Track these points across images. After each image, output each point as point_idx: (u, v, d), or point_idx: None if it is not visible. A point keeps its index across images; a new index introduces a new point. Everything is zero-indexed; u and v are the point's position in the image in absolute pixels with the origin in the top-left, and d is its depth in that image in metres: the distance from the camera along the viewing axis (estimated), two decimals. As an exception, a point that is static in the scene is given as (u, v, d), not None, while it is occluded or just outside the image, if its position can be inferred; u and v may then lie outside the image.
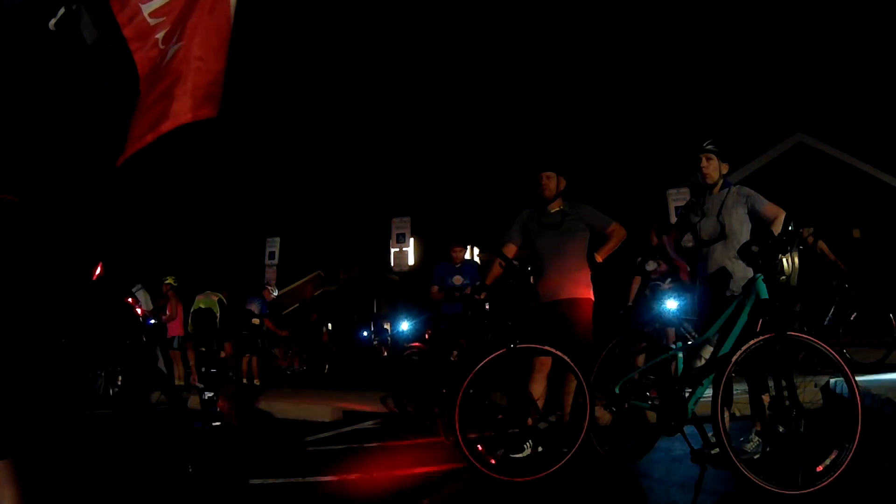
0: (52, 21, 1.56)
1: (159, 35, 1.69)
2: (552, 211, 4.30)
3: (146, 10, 1.68)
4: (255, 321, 9.71)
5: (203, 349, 8.42)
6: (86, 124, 1.64)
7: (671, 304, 5.64)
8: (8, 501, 1.50)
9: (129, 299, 8.84)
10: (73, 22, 1.58)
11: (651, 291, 6.41)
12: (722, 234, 3.67)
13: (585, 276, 4.23)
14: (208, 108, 1.59)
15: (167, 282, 9.24)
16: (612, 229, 4.26)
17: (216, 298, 8.60)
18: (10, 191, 1.54)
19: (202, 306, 7.38)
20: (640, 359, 5.78)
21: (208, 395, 6.03)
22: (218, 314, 8.18)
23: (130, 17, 1.67)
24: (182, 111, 1.57)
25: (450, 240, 6.55)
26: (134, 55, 1.68)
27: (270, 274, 12.40)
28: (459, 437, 3.26)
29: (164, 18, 1.69)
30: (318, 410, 6.40)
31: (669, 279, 6.50)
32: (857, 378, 2.97)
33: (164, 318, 9.29)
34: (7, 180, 1.54)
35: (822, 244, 7.59)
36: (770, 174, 14.27)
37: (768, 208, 3.60)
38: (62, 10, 1.56)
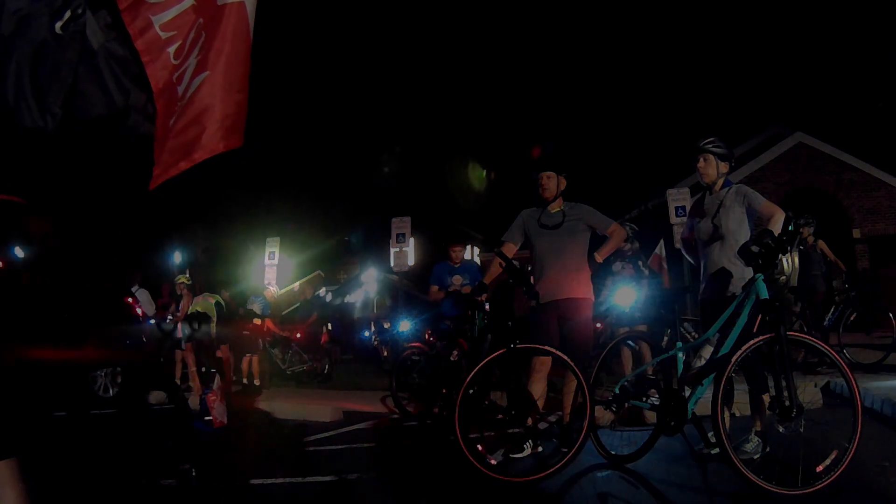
0: (59, 24, 1.56)
1: (171, 49, 1.69)
2: (552, 211, 4.30)
3: (157, 21, 1.68)
4: (257, 321, 9.70)
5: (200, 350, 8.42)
6: (88, 128, 1.64)
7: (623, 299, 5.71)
8: (9, 501, 1.50)
9: (129, 299, 8.83)
10: (79, 26, 1.58)
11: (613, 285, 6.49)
12: (718, 235, 3.67)
13: (585, 276, 4.23)
14: (236, 138, 1.63)
15: (180, 281, 9.18)
16: (612, 230, 4.26)
17: (213, 301, 8.56)
18: (14, 192, 1.54)
19: (199, 310, 7.38)
20: (626, 358, 5.84)
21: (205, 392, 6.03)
22: (214, 317, 8.14)
23: (142, 29, 1.67)
24: (214, 141, 1.61)
25: (450, 240, 6.55)
26: (146, 67, 1.69)
27: (270, 274, 12.39)
28: (459, 437, 3.26)
29: (175, 32, 1.70)
30: (318, 410, 6.40)
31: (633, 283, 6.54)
32: (857, 379, 2.97)
33: (172, 316, 9.23)
34: (12, 182, 1.54)
35: (822, 244, 7.59)
36: (770, 174, 14.29)
37: (764, 206, 3.59)
38: (68, 14, 1.56)
